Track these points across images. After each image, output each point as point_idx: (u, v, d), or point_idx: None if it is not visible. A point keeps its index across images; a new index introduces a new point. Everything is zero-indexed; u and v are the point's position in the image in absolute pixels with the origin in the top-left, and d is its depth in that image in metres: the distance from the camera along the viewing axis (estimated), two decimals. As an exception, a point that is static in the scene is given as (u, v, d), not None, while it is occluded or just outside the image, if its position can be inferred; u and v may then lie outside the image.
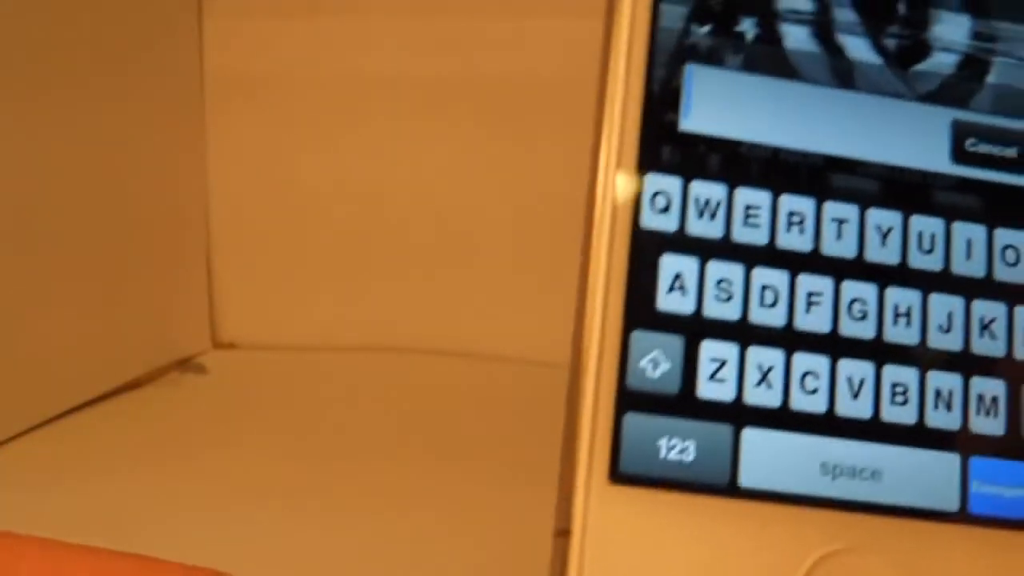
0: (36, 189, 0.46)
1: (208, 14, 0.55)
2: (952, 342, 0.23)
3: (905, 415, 0.23)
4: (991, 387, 0.23)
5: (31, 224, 0.46)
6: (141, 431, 0.46)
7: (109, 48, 0.51)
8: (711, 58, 0.22)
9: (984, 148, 0.23)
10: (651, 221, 0.22)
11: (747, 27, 0.22)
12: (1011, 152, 0.23)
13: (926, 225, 0.23)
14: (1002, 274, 0.23)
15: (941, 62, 0.23)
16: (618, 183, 0.22)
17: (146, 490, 0.40)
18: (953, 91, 0.23)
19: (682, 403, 0.22)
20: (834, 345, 0.22)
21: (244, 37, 0.55)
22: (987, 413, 0.23)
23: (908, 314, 0.23)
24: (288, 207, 0.55)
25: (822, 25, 0.23)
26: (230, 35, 0.55)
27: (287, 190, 0.55)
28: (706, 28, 0.22)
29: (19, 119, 0.46)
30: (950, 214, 0.23)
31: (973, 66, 0.23)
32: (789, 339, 0.22)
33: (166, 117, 0.54)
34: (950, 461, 0.23)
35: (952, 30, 0.23)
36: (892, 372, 0.23)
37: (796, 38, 0.23)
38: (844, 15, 0.23)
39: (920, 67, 0.23)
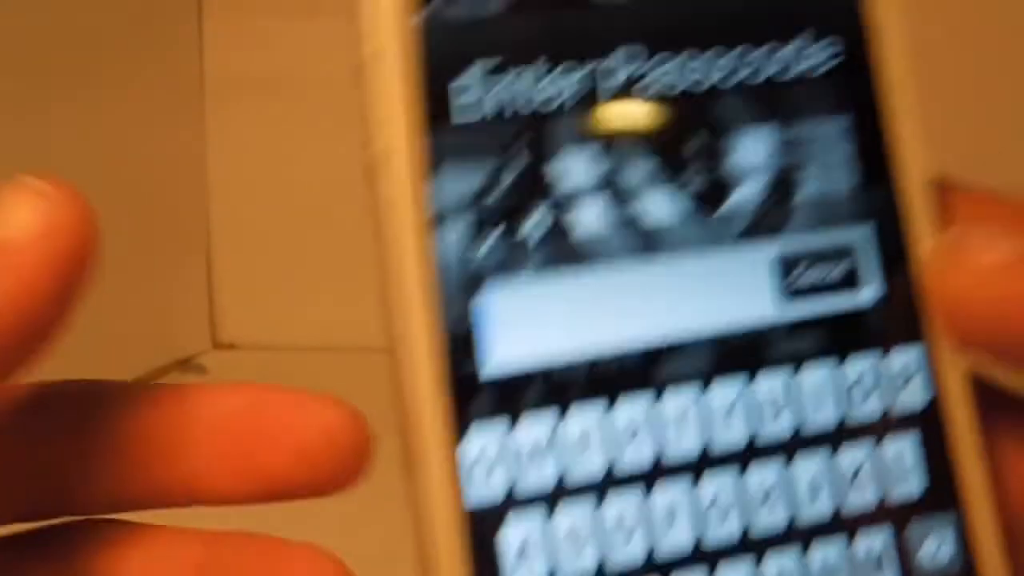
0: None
1: (208, 14, 0.55)
2: (825, 506, 0.22)
3: None
4: (876, 542, 0.22)
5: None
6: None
7: (109, 48, 0.51)
8: (502, 276, 0.19)
9: (812, 275, 0.21)
10: (479, 492, 0.18)
11: (534, 229, 0.19)
12: (839, 271, 0.21)
13: (770, 384, 0.21)
14: (859, 412, 0.21)
15: (749, 192, 0.21)
16: (431, 455, 0.19)
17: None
18: (768, 220, 0.21)
19: None
20: (705, 563, 0.20)
21: (244, 37, 0.55)
22: (877, 570, 0.22)
23: (772, 493, 0.21)
24: (288, 207, 0.55)
25: (614, 197, 0.20)
26: (230, 35, 0.55)
27: (287, 190, 0.55)
28: (490, 244, 0.19)
29: (19, 120, 0.47)
30: (793, 362, 0.21)
31: (783, 184, 0.21)
32: None
33: (166, 116, 0.54)
34: None
35: (752, 151, 0.21)
36: (773, 567, 0.21)
37: (589, 222, 0.20)
38: (635, 175, 0.20)
39: (728, 205, 0.21)
